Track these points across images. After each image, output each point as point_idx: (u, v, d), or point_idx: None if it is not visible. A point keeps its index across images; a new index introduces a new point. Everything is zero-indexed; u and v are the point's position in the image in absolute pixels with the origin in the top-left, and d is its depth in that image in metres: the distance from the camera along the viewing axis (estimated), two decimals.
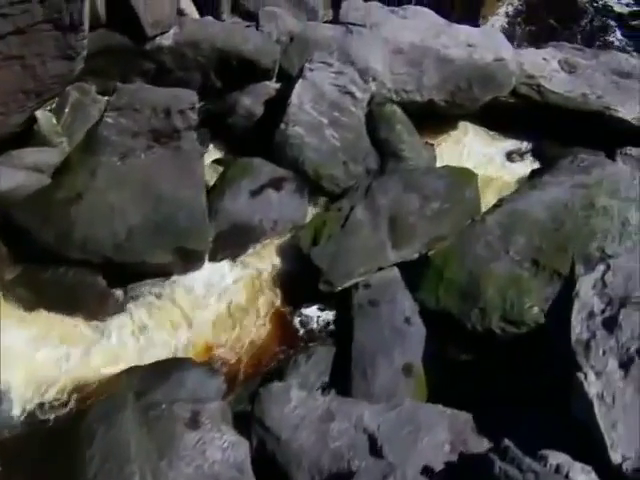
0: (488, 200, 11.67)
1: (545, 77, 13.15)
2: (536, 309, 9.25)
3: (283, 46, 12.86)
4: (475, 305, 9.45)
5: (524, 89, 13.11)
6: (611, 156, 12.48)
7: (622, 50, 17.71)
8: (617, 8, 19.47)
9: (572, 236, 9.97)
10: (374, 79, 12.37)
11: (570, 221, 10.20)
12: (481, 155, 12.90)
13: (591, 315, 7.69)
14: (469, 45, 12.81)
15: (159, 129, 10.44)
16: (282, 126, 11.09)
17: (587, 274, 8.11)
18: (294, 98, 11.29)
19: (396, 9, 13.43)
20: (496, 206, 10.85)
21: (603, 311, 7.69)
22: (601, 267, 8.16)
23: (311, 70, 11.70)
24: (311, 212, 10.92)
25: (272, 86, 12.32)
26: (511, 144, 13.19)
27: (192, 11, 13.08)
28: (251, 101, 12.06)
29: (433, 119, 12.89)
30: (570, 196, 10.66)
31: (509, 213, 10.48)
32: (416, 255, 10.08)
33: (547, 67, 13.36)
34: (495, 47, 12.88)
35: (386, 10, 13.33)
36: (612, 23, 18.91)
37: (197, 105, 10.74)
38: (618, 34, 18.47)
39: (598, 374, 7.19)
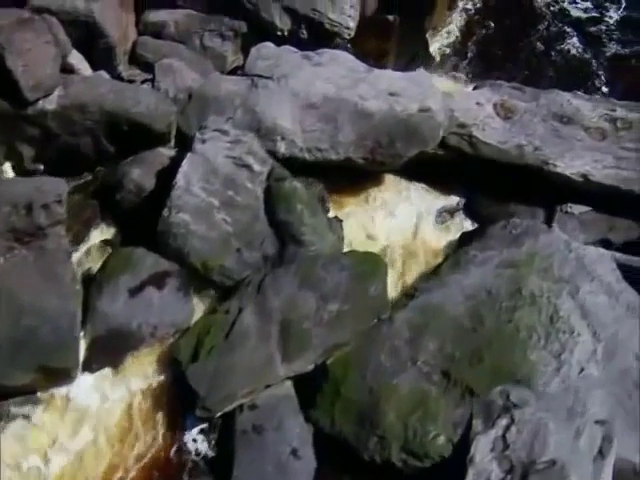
0: (412, 270, 10.70)
1: (478, 125, 11.80)
2: (442, 439, 8.21)
3: (181, 105, 11.40)
4: (374, 432, 8.44)
5: (454, 140, 11.75)
6: (550, 216, 11.33)
7: (580, 59, 16.59)
8: (574, 13, 18.06)
9: (491, 339, 9.00)
10: (283, 138, 11.04)
11: (491, 317, 9.23)
12: (406, 215, 11.63)
13: None
14: (391, 94, 11.44)
15: (20, 228, 9.21)
16: (165, 213, 9.74)
17: (486, 432, 6.94)
18: (180, 178, 9.93)
19: (311, 54, 12.00)
20: (409, 296, 9.74)
21: None
22: (503, 422, 7.04)
23: (203, 142, 10.35)
24: (199, 311, 9.62)
25: (166, 153, 10.92)
26: (441, 201, 11.94)
27: (84, 66, 11.66)
28: (141, 173, 10.66)
29: (353, 176, 11.57)
30: (495, 280, 9.72)
31: (422, 309, 9.41)
32: (310, 367, 8.91)
33: (481, 113, 12.00)
34: (421, 95, 11.47)
35: (299, 56, 11.90)
36: (569, 30, 17.50)
37: (64, 196, 9.41)
38: (575, 41, 17.14)
39: None
